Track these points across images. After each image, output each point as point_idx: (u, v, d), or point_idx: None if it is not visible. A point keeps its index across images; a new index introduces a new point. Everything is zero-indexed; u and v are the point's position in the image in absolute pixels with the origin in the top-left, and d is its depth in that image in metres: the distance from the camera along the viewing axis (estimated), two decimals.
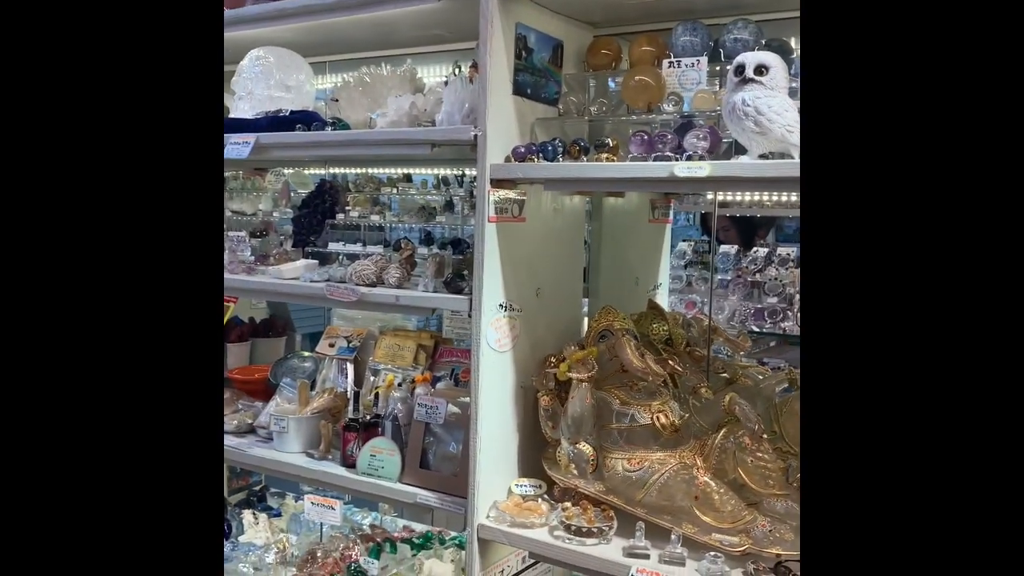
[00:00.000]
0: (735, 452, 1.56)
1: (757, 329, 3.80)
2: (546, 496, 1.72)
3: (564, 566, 1.59)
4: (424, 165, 2.17)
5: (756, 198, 3.79)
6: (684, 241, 4.30)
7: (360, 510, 2.66)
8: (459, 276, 1.73)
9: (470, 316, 1.64)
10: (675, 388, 1.80)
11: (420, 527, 2.62)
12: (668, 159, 1.43)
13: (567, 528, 1.57)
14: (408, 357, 2.15)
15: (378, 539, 2.43)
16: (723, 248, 4.09)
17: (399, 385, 1.97)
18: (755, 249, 3.94)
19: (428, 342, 2.18)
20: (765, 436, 1.56)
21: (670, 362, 1.77)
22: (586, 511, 1.60)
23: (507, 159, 1.60)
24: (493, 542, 1.65)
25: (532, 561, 1.80)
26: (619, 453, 1.62)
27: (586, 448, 1.64)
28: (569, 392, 1.66)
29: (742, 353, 2.10)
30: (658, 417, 1.60)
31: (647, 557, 1.51)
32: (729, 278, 3.95)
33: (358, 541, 2.39)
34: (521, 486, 1.73)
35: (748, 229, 4.24)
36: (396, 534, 2.52)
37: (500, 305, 1.67)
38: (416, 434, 1.80)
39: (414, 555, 2.35)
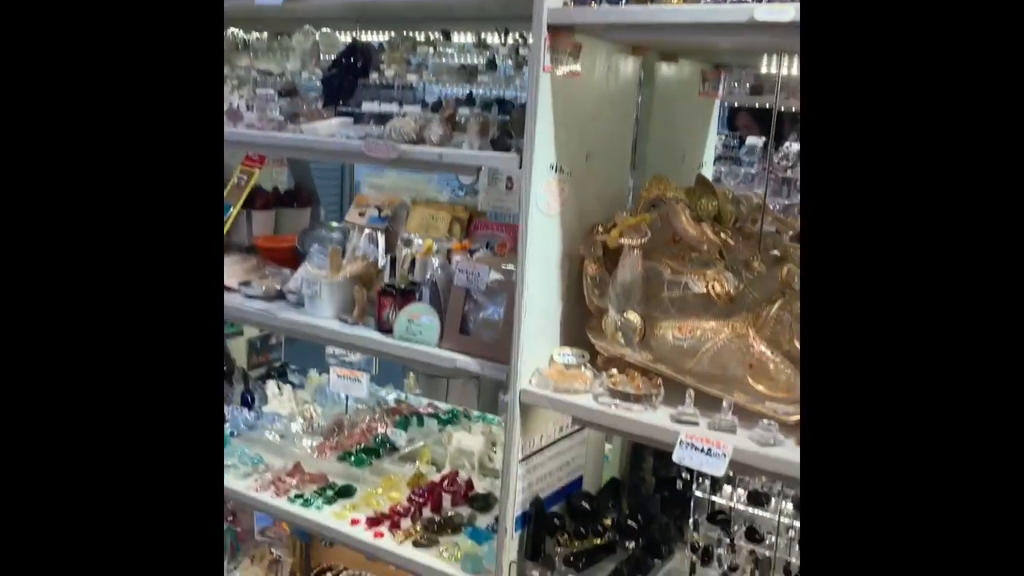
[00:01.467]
0: (791, 324, 1.51)
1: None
2: (589, 365, 1.68)
3: (610, 431, 1.57)
4: (465, 25, 2.04)
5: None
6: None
7: (384, 387, 2.65)
8: (506, 134, 1.64)
9: (511, 180, 1.56)
10: (729, 260, 1.74)
11: (444, 406, 2.61)
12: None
13: (613, 393, 1.54)
14: (442, 228, 2.09)
15: (405, 413, 2.42)
16: (749, 140, 3.98)
17: (437, 253, 1.91)
18: (787, 144, 3.83)
19: (463, 215, 2.11)
20: None
21: (722, 235, 1.70)
22: (633, 379, 1.56)
23: (564, 3, 1.49)
24: (533, 407, 1.61)
25: (565, 432, 1.78)
26: (669, 322, 1.57)
27: (634, 317, 1.59)
28: (618, 260, 1.60)
29: (791, 233, 2.03)
30: (713, 285, 1.55)
31: (696, 424, 1.48)
32: (754, 171, 3.86)
33: (385, 414, 2.38)
34: (564, 355, 1.69)
35: (778, 124, 4.10)
36: (421, 409, 2.51)
37: (551, 166, 1.59)
38: (456, 300, 1.75)
39: (441, 430, 2.34)
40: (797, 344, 1.50)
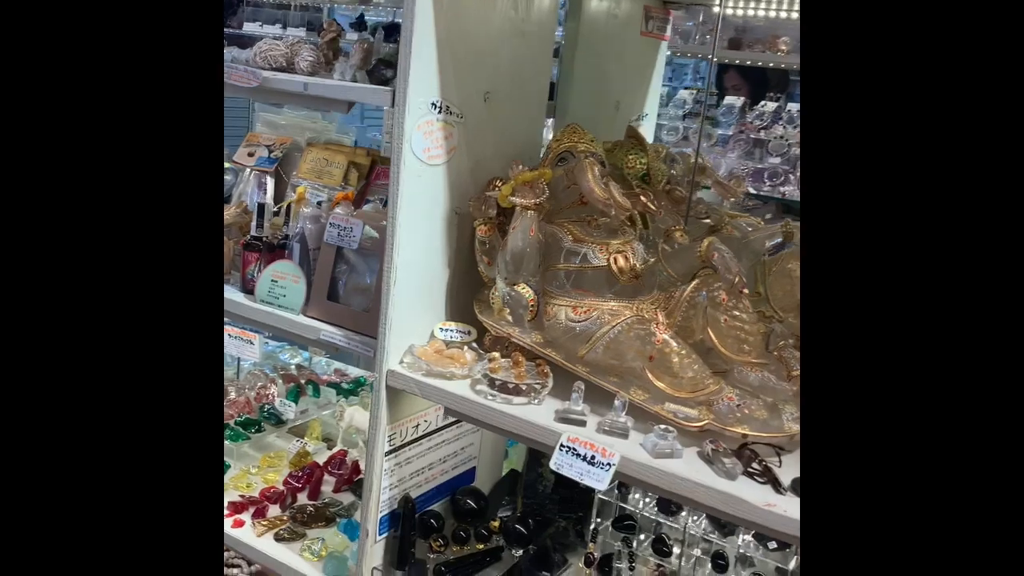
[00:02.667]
0: (706, 308, 1.26)
1: (754, 192, 3.46)
2: (475, 345, 1.42)
3: (483, 426, 1.32)
4: None
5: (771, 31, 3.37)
6: (685, 89, 3.88)
7: (291, 348, 2.40)
8: (386, 64, 1.37)
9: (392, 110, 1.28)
10: (645, 230, 1.47)
11: (356, 371, 2.36)
12: None
13: (491, 383, 1.29)
14: (337, 175, 1.81)
15: (302, 380, 2.17)
16: (728, 100, 3.68)
17: (319, 204, 1.64)
18: (763, 103, 3.54)
19: (363, 160, 1.83)
20: (746, 292, 1.25)
21: (643, 198, 1.43)
22: (517, 365, 1.31)
23: None
24: (405, 392, 1.36)
25: (455, 419, 1.54)
26: (564, 299, 1.31)
27: (525, 291, 1.33)
28: (511, 222, 1.34)
29: (732, 200, 1.76)
30: (616, 259, 1.29)
31: (583, 424, 1.23)
32: (730, 133, 3.57)
33: (278, 380, 2.13)
34: (447, 330, 1.44)
35: (760, 84, 3.80)
36: (325, 377, 2.26)
37: (433, 104, 1.32)
38: (325, 260, 1.49)
39: (338, 401, 2.10)
40: (711, 334, 1.25)
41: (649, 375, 1.22)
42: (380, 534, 1.43)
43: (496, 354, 1.33)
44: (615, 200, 1.29)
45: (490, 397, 1.29)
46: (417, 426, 1.47)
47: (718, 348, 1.24)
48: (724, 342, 1.24)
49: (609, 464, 1.16)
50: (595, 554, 1.48)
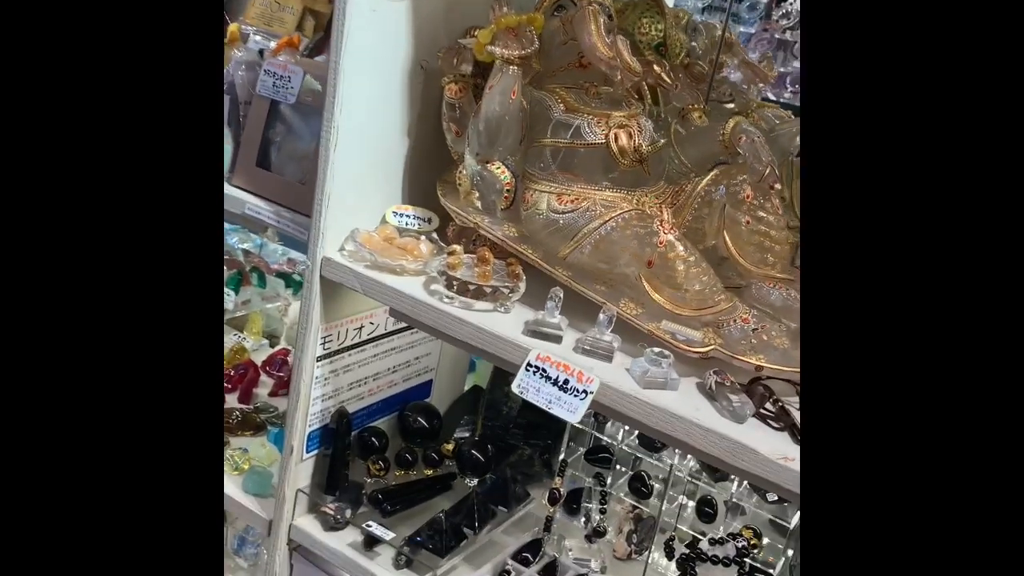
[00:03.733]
0: (724, 207, 0.99)
1: (773, 99, 3.15)
2: (436, 236, 1.16)
3: (436, 334, 1.07)
4: None
5: None
6: None
7: (241, 232, 2.13)
8: None
9: None
10: (655, 106, 1.20)
11: None
12: None
13: (448, 282, 1.03)
14: (290, 22, 1.51)
15: (246, 268, 1.91)
16: None
17: (260, 53, 1.34)
18: (791, 0, 3.18)
19: (323, 8, 1.53)
20: (778, 188, 0.98)
21: (656, 68, 1.15)
22: (483, 262, 1.05)
23: None
24: (344, 286, 1.11)
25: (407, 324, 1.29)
26: (547, 184, 1.05)
27: (500, 171, 1.07)
28: (488, 80, 1.05)
29: (762, 86, 1.48)
30: (617, 135, 1.01)
31: (557, 340, 0.99)
32: (752, 31, 3.23)
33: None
34: (402, 215, 1.17)
35: None
36: (275, 266, 2.00)
37: None
38: (257, 116, 1.20)
39: (286, 294, 1.85)
40: (728, 240, 0.99)
41: (645, 285, 0.97)
42: (308, 451, 1.20)
43: (458, 247, 1.07)
44: (623, 60, 1.01)
45: (446, 300, 1.04)
46: (360, 328, 1.22)
47: (735, 257, 0.99)
48: (743, 250, 0.98)
49: (585, 392, 0.92)
50: (561, 490, 1.25)
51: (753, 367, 0.93)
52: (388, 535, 1.15)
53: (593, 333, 0.98)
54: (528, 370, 0.95)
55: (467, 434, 1.38)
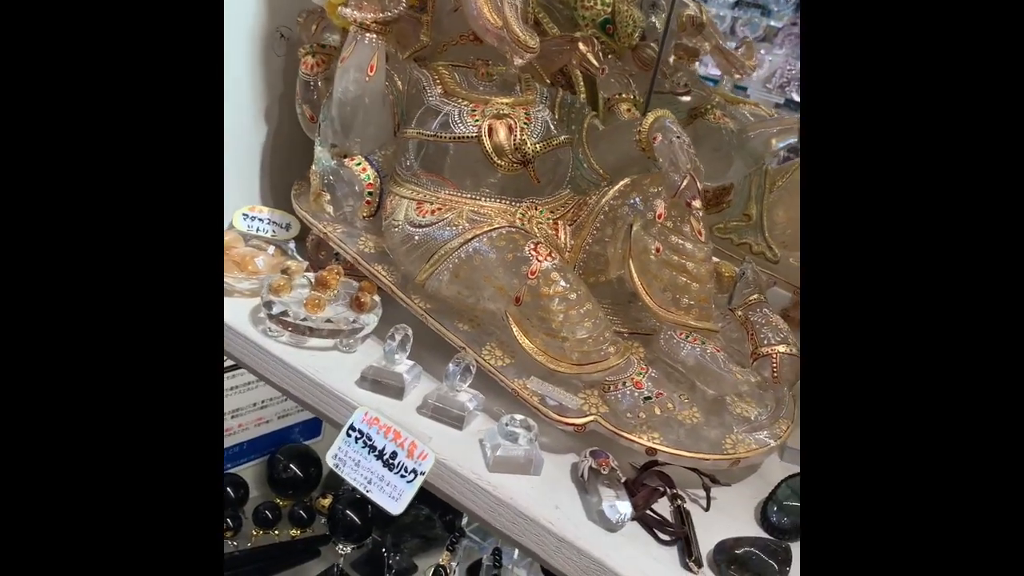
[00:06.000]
0: (631, 228, 0.74)
1: (798, 100, 2.86)
2: (292, 248, 0.93)
3: (253, 373, 0.83)
4: None
5: None
6: None
7: None
8: None
9: None
10: (577, 93, 0.95)
11: None
12: None
13: (269, 310, 0.80)
14: None
15: None
16: None
17: None
18: None
19: None
20: (697, 207, 0.72)
21: (581, 45, 0.90)
22: (322, 287, 0.81)
23: None
24: None
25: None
26: (410, 188, 0.81)
27: (360, 169, 0.83)
28: (342, 50, 0.82)
29: (737, 77, 1.22)
30: (493, 127, 0.77)
31: (398, 394, 0.75)
32: (781, 25, 2.94)
33: None
34: (254, 218, 0.94)
35: None
36: None
37: None
38: None
39: None
40: (633, 271, 0.74)
41: (514, 327, 0.72)
42: None
43: (293, 264, 0.84)
44: (511, 31, 0.76)
45: (271, 333, 0.80)
46: None
47: (642, 294, 0.73)
48: (650, 285, 0.73)
49: (415, 472, 0.68)
50: (450, 566, 1.01)
51: (644, 449, 0.68)
52: None
53: (444, 387, 0.73)
54: (349, 436, 0.71)
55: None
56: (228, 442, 1.06)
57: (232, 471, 1.07)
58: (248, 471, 1.09)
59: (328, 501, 1.09)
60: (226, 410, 1.04)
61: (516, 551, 1.09)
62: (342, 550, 1.03)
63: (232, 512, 1.02)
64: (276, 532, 1.06)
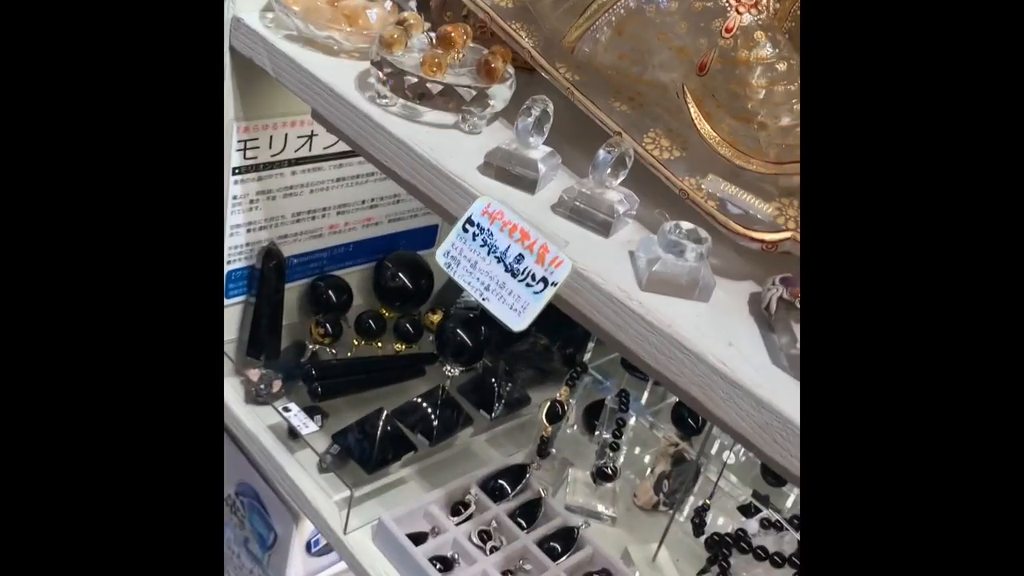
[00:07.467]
0: None
1: None
2: (412, 3, 0.76)
3: (359, 150, 0.69)
4: None
5: None
6: None
7: None
8: None
9: None
10: None
11: None
12: None
13: (380, 71, 0.64)
14: None
15: None
16: None
17: None
18: None
19: None
20: None
21: None
22: (445, 45, 0.64)
23: None
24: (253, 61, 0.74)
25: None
26: None
27: None
28: None
29: None
30: None
31: (531, 187, 0.59)
32: None
33: None
34: None
35: None
36: None
37: None
38: None
39: None
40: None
41: (691, 106, 0.53)
42: (230, 296, 0.89)
43: (412, 18, 0.67)
44: None
45: (380, 101, 0.65)
46: (311, 137, 0.86)
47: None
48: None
49: (544, 281, 0.53)
50: (568, 403, 0.89)
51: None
52: (308, 427, 0.83)
53: (589, 183, 0.57)
54: (466, 231, 0.56)
55: (468, 305, 1.02)
56: (333, 241, 0.95)
57: (335, 273, 0.96)
58: (353, 276, 0.98)
59: (438, 317, 0.97)
60: (332, 204, 0.92)
61: (645, 395, 0.96)
62: (450, 372, 0.92)
63: (333, 317, 0.92)
64: (379, 344, 0.95)
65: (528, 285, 0.53)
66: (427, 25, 0.70)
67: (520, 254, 0.54)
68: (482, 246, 0.56)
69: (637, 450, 0.97)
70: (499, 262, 0.55)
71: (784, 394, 0.45)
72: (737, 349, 0.48)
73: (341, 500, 0.81)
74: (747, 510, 0.84)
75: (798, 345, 0.47)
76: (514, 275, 0.54)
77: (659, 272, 0.51)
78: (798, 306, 0.49)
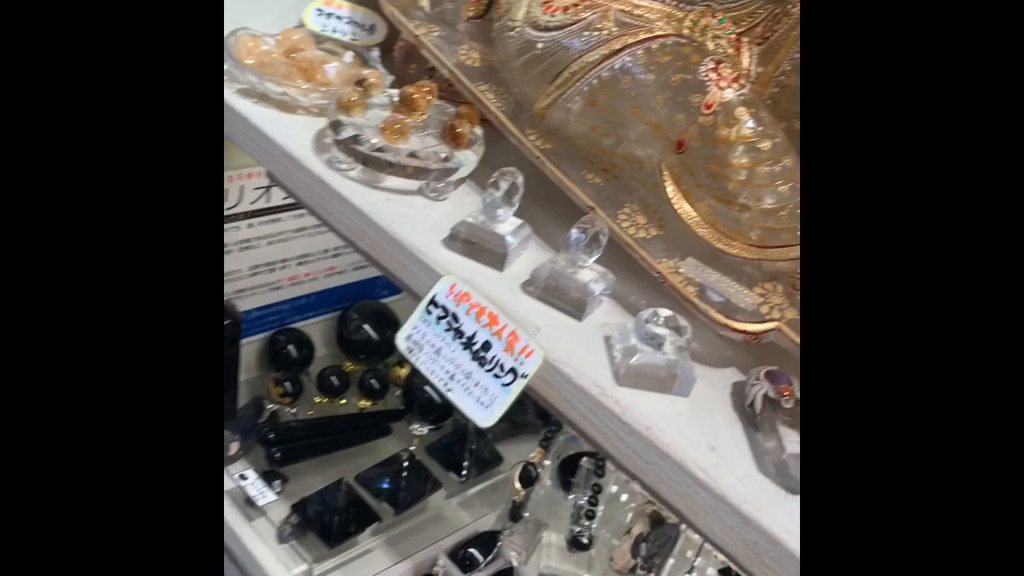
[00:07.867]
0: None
1: None
2: (375, 56, 0.72)
3: (315, 215, 0.65)
4: None
5: None
6: None
7: None
8: None
9: None
10: None
11: None
12: None
13: (336, 133, 0.60)
14: None
15: None
16: None
17: None
18: None
19: None
20: None
21: None
22: (408, 107, 0.61)
23: None
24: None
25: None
26: None
27: None
28: None
29: None
30: None
31: (499, 263, 0.55)
32: None
33: None
34: (329, 15, 0.73)
35: None
36: None
37: None
38: None
39: None
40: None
41: (668, 183, 0.50)
42: None
43: (373, 76, 0.63)
44: None
45: (339, 166, 0.61)
46: (270, 188, 0.82)
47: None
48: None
49: (513, 372, 0.49)
50: (541, 466, 0.85)
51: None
52: (265, 497, 0.79)
53: (560, 261, 0.53)
54: (430, 313, 0.52)
55: None
56: (294, 292, 0.90)
57: (296, 326, 0.92)
58: (315, 327, 0.94)
59: (405, 371, 0.93)
60: (292, 255, 0.88)
61: None
62: (417, 430, 0.88)
63: (293, 374, 0.88)
64: (343, 401, 0.91)
65: (496, 376, 0.50)
66: (389, 79, 0.66)
67: (487, 341, 0.50)
68: (447, 330, 0.52)
69: (616, 505, 0.94)
70: (466, 348, 0.51)
71: (772, 509, 0.42)
72: (720, 455, 0.44)
73: (301, 574, 0.77)
74: (727, 574, 0.80)
75: (786, 451, 0.44)
76: (481, 364, 0.50)
77: (636, 366, 0.47)
78: (784, 405, 0.46)
